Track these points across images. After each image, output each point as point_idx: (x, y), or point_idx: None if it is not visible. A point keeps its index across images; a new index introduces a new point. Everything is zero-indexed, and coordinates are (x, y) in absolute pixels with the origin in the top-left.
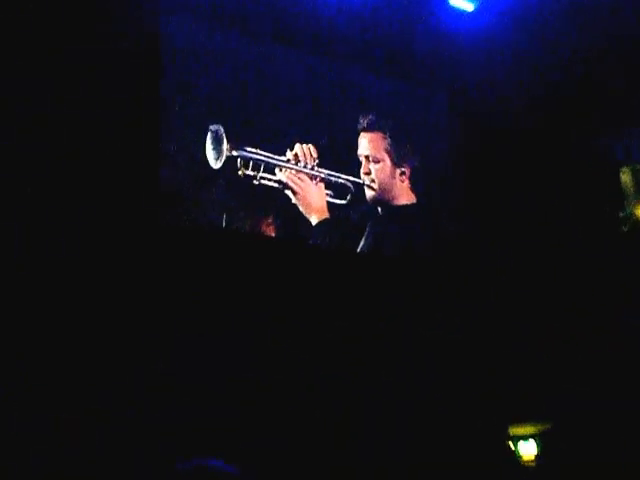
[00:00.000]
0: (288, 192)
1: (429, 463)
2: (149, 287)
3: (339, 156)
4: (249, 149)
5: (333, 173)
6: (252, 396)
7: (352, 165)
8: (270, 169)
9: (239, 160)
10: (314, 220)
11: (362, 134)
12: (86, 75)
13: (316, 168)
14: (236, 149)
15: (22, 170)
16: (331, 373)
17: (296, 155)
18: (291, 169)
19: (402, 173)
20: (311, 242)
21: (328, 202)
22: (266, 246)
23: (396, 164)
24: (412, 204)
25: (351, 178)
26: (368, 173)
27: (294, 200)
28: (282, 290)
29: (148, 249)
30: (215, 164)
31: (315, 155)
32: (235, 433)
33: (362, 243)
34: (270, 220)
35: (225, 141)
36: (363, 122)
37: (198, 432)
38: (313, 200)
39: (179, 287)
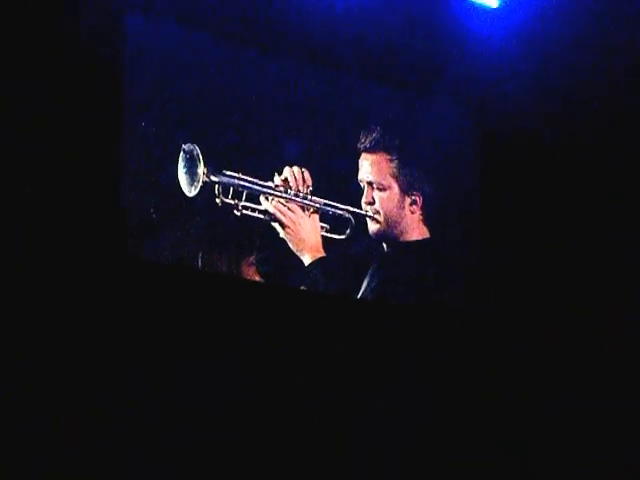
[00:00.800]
0: (275, 225)
1: None
2: (107, 336)
3: (336, 182)
4: (229, 173)
5: (330, 202)
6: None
7: (352, 193)
8: (254, 197)
9: (217, 186)
10: (306, 259)
11: (364, 155)
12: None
13: (309, 197)
14: (214, 173)
15: None
16: (328, 449)
17: (286, 181)
18: (280, 197)
19: (413, 202)
20: (303, 286)
21: (323, 237)
22: (247, 290)
23: (405, 191)
24: (424, 239)
25: (351, 208)
26: (371, 202)
27: (283, 234)
28: (266, 345)
29: (110, 290)
30: (189, 191)
31: (309, 181)
32: None
33: (364, 287)
34: (252, 259)
35: (201, 164)
36: (365, 141)
37: None
38: (306, 235)
39: (140, 338)
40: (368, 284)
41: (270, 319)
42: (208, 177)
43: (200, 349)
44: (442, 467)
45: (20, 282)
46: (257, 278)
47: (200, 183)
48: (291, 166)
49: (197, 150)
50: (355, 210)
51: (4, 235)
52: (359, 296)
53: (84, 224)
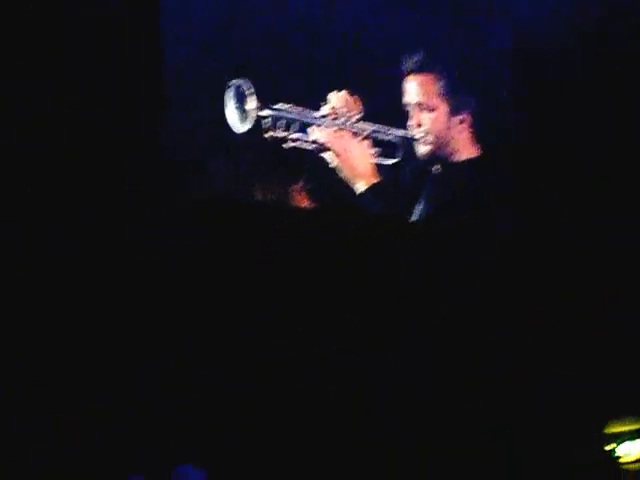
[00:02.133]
0: (326, 154)
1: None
2: (158, 272)
3: (383, 106)
4: (277, 106)
5: (379, 127)
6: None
7: (399, 116)
8: (303, 128)
9: (265, 120)
10: (360, 186)
11: (409, 78)
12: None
13: (358, 123)
14: (263, 107)
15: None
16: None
17: (334, 108)
18: (329, 126)
19: (461, 122)
20: (359, 212)
21: (375, 163)
22: (302, 218)
23: (453, 111)
24: (475, 158)
25: (400, 132)
26: (420, 124)
27: (334, 163)
28: (322, 271)
29: (159, 227)
30: (240, 127)
31: (358, 107)
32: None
33: (417, 210)
34: (300, 185)
35: (251, 99)
36: (410, 63)
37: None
38: (358, 162)
39: (193, 273)
40: (421, 207)
41: (324, 244)
42: (260, 112)
43: (256, 279)
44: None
45: (73, 223)
46: (306, 204)
47: (251, 118)
48: (337, 92)
49: (246, 85)
50: (404, 133)
51: (57, 173)
52: (413, 219)
53: (130, 164)
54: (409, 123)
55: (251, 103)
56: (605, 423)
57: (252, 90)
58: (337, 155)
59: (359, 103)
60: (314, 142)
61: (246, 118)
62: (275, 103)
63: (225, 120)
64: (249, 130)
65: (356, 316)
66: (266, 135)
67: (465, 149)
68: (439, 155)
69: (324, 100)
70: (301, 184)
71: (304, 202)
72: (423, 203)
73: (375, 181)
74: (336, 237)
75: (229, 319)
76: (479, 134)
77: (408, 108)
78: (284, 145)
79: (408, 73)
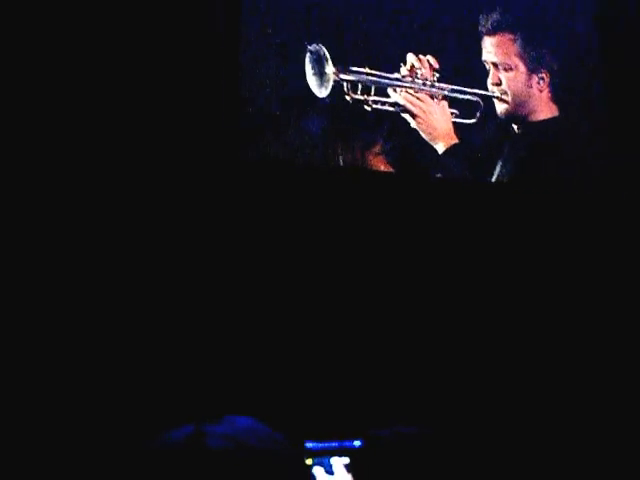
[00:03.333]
0: (406, 116)
1: None
2: (230, 235)
3: (460, 67)
4: (356, 69)
5: (457, 88)
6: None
7: (477, 76)
8: (382, 90)
9: (345, 83)
10: (440, 147)
11: (486, 38)
12: None
13: (437, 84)
14: (343, 72)
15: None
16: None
17: (412, 69)
18: (408, 88)
19: (540, 80)
20: (439, 175)
21: (454, 123)
22: (381, 181)
23: (531, 70)
24: (554, 118)
25: (478, 91)
26: (498, 83)
27: (414, 125)
28: (401, 234)
29: (234, 190)
30: (320, 92)
31: (435, 66)
32: None
33: (498, 170)
34: (377, 149)
35: (330, 63)
36: (486, 23)
37: None
38: (438, 123)
39: (268, 238)
40: (502, 167)
41: (405, 208)
42: (337, 76)
43: (333, 243)
44: None
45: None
46: (383, 168)
47: (331, 82)
48: (415, 54)
49: (324, 50)
50: (483, 92)
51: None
52: (494, 179)
53: (206, 128)
54: (488, 81)
55: (328, 67)
56: None
57: (328, 55)
58: (416, 116)
59: (436, 64)
60: (393, 104)
61: (325, 82)
62: (353, 67)
63: (302, 85)
64: (330, 93)
65: (439, 280)
66: (347, 97)
67: (544, 108)
68: (518, 114)
69: (400, 63)
70: (379, 147)
71: (381, 165)
72: (504, 163)
73: (454, 142)
74: (413, 200)
75: (308, 284)
76: (558, 93)
77: (487, 66)
78: (365, 107)
79: (485, 33)
